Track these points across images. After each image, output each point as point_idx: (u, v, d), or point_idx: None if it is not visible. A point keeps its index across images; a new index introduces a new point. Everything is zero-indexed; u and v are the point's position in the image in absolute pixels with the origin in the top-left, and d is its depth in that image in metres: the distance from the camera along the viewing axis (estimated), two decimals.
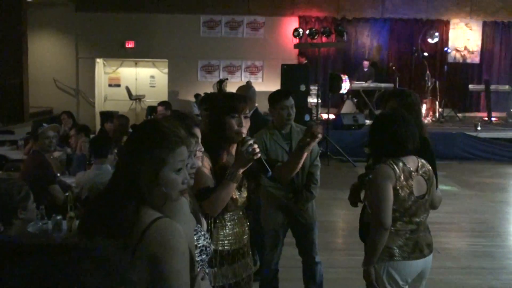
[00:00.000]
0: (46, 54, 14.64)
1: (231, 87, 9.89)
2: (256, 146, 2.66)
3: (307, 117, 11.10)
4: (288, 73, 11.62)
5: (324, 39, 13.69)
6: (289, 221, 4.17)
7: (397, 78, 13.93)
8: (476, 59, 15.36)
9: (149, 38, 14.61)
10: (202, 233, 2.17)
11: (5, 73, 11.91)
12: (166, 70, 15.24)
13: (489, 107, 14.49)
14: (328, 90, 12.87)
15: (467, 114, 15.09)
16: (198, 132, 2.45)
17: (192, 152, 2.21)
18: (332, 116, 12.64)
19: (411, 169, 2.99)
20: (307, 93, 11.91)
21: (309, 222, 4.17)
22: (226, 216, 2.79)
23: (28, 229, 3.82)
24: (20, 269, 0.87)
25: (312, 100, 12.92)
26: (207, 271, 2.16)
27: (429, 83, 13.74)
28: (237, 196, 2.78)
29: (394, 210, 2.96)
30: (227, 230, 2.80)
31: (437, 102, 13.76)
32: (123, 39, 14.63)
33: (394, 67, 14.52)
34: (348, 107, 13.73)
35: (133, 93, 15.50)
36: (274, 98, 4.08)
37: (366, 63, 14.45)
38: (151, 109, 12.34)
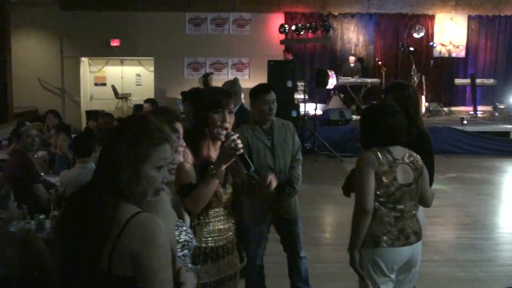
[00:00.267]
0: (30, 53, 14.47)
1: (218, 84, 9.83)
2: (239, 141, 2.64)
3: (294, 113, 11.10)
4: (275, 69, 11.62)
5: (310, 34, 13.67)
6: (272, 217, 4.10)
7: (383, 73, 14.00)
8: (462, 53, 15.43)
9: (135, 36, 14.51)
10: (184, 228, 2.14)
11: None
12: (152, 68, 15.15)
13: (475, 101, 14.57)
14: (315, 86, 12.88)
15: (453, 108, 15.19)
16: (179, 127, 2.42)
17: (173, 148, 2.18)
18: (319, 112, 12.66)
19: (396, 157, 3.01)
20: (294, 89, 11.91)
21: (293, 217, 4.14)
22: (210, 212, 2.73)
23: (10, 228, 3.78)
24: None
25: (299, 96, 12.92)
26: (189, 266, 2.13)
27: (415, 78, 13.80)
28: (221, 193, 2.73)
29: (378, 196, 2.98)
30: (211, 227, 2.74)
31: (423, 97, 13.80)
32: (108, 37, 14.49)
33: (380, 62, 14.58)
34: (335, 102, 13.74)
35: (119, 91, 15.41)
36: (255, 92, 4.00)
37: (352, 58, 14.48)
38: (138, 108, 12.25)
